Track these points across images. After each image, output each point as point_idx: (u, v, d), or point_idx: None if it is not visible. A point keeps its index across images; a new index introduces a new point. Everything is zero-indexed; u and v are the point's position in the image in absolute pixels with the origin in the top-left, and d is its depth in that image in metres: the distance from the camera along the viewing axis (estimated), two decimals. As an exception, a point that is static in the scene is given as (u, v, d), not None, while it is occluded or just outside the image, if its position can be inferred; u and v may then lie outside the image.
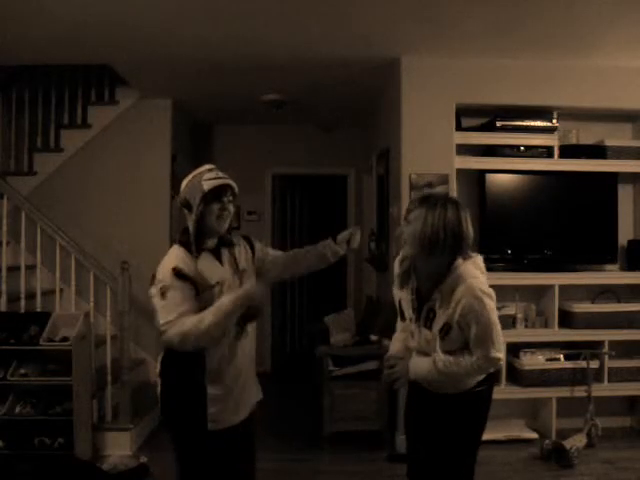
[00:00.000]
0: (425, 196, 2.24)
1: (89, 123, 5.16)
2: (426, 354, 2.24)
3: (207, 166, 2.35)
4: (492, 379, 2.35)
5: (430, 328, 2.20)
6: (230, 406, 2.21)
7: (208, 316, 2.05)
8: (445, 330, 2.15)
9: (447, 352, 2.18)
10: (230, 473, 2.24)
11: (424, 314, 2.22)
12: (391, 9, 3.38)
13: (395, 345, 2.44)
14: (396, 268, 2.34)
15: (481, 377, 2.26)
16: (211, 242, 2.24)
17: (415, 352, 2.30)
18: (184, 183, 2.29)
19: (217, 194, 2.20)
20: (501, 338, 2.17)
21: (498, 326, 2.15)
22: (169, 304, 2.08)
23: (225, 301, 2.08)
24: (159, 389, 2.27)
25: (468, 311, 2.10)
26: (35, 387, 3.70)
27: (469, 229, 2.15)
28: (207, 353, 2.15)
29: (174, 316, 2.06)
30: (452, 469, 2.29)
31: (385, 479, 3.71)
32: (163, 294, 2.09)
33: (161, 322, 2.09)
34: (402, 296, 2.33)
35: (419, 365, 2.23)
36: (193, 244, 2.17)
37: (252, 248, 2.40)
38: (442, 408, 2.28)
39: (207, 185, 2.21)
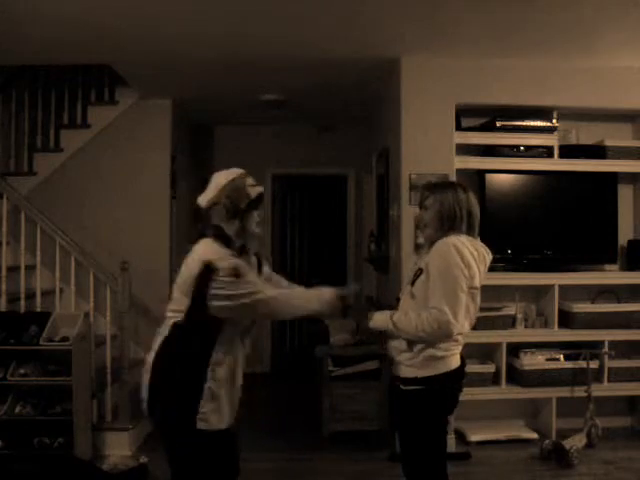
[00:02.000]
0: (435, 183, 2.59)
1: (89, 123, 5.15)
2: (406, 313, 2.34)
3: (241, 170, 2.40)
4: (459, 377, 2.36)
5: (410, 283, 2.37)
6: (223, 406, 2.16)
7: (303, 295, 2.22)
8: (417, 274, 2.32)
9: (414, 299, 2.31)
10: (219, 475, 2.20)
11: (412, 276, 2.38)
12: (391, 9, 3.38)
13: None
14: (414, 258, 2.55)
15: (451, 367, 2.29)
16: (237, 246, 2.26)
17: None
18: (221, 184, 2.32)
19: (259, 201, 2.29)
20: (460, 306, 2.22)
21: (458, 287, 2.21)
22: (250, 278, 2.11)
23: (326, 294, 2.19)
24: (149, 375, 2.18)
25: (434, 255, 2.26)
26: (35, 387, 3.69)
27: (477, 208, 2.44)
28: (217, 344, 2.11)
29: (259, 285, 2.13)
30: (419, 463, 2.33)
31: (385, 479, 3.71)
32: (237, 275, 2.08)
33: (250, 289, 2.07)
34: None
35: (379, 317, 2.35)
36: (236, 244, 2.20)
37: (260, 267, 2.41)
38: (403, 402, 2.35)
39: (253, 192, 2.28)
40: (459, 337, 2.32)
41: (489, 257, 2.42)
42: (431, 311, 2.20)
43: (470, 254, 2.28)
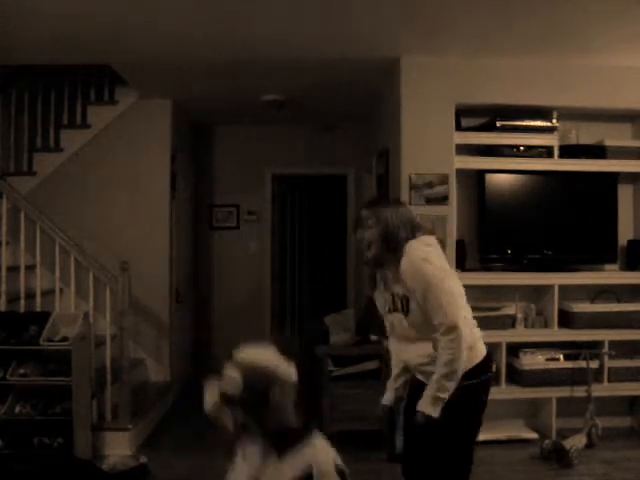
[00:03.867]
0: (373, 201, 2.47)
1: (89, 123, 5.15)
2: (407, 337, 2.30)
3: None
4: (482, 373, 2.28)
5: (399, 310, 2.29)
6: None
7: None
8: (405, 303, 2.25)
9: (414, 326, 2.25)
10: None
11: (393, 300, 2.32)
12: (391, 9, 3.38)
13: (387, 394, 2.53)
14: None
15: (469, 366, 2.21)
16: None
17: (398, 337, 2.37)
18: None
19: None
20: (452, 306, 2.16)
21: (443, 289, 2.17)
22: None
23: None
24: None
25: (409, 277, 2.20)
26: (35, 387, 3.69)
27: (417, 218, 2.40)
28: None
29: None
30: (444, 466, 2.25)
31: (385, 479, 3.70)
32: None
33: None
34: (377, 296, 2.42)
35: (424, 401, 2.17)
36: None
37: None
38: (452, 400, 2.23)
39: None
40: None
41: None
42: (439, 327, 2.15)
43: (437, 256, 2.27)
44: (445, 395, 2.12)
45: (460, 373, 2.14)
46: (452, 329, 2.12)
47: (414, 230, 2.29)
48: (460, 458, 2.28)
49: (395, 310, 2.31)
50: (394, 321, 2.35)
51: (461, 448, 2.28)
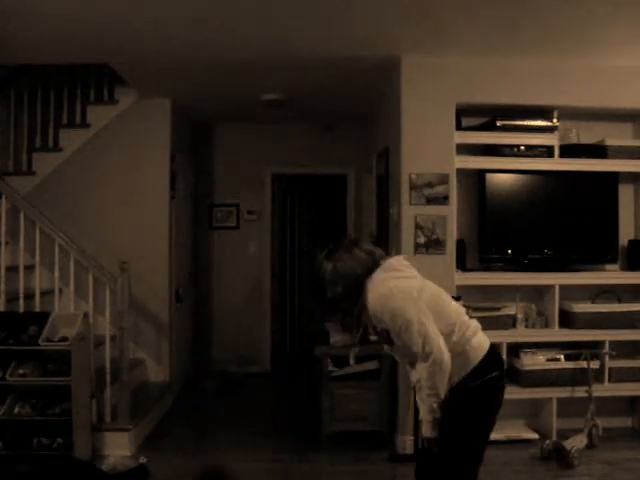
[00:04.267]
0: (327, 255, 2.40)
1: (88, 123, 5.15)
2: (409, 362, 2.34)
3: None
4: (485, 373, 2.26)
5: (386, 343, 2.34)
6: None
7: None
8: (387, 335, 2.27)
9: (404, 354, 2.31)
10: None
11: (378, 334, 2.34)
12: (391, 9, 3.37)
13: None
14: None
15: (462, 373, 2.23)
16: None
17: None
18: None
19: None
20: (423, 334, 2.16)
21: (411, 320, 2.17)
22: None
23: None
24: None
25: (376, 315, 2.24)
26: (34, 387, 3.69)
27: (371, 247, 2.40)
28: None
29: None
30: (451, 464, 2.25)
31: (385, 479, 3.70)
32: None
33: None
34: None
35: (422, 414, 2.25)
36: None
37: None
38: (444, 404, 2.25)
39: None
40: (455, 327, 2.26)
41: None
42: (419, 362, 2.20)
43: (401, 282, 2.27)
44: (435, 415, 2.20)
45: (442, 391, 2.18)
46: (427, 356, 2.16)
47: (374, 263, 2.30)
48: (468, 458, 2.27)
49: (383, 342, 2.37)
50: (388, 350, 2.43)
51: (470, 449, 2.27)
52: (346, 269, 2.30)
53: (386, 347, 2.42)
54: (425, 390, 2.20)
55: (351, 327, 2.44)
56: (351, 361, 2.53)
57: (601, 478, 3.64)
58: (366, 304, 2.27)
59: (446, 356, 2.17)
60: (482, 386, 2.24)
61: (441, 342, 2.18)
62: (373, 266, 2.30)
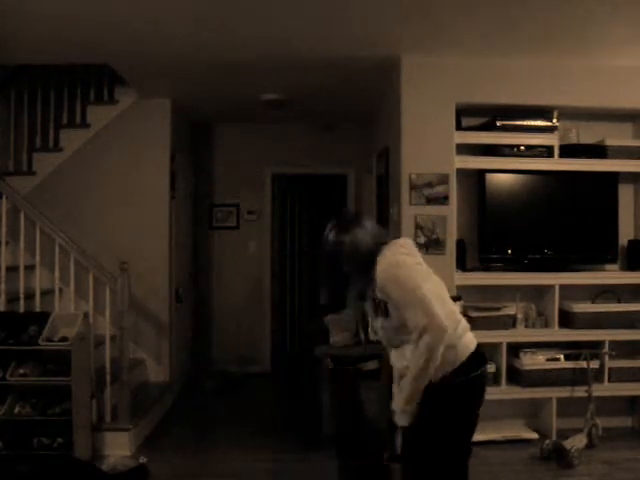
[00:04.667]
0: (341, 223, 2.35)
1: (88, 123, 5.15)
2: (391, 343, 2.32)
3: None
4: (470, 370, 2.24)
5: (381, 314, 2.30)
6: None
7: None
8: (384, 307, 2.25)
9: (395, 330, 2.25)
10: None
11: (375, 305, 2.31)
12: (391, 9, 3.37)
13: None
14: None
15: (449, 369, 2.20)
16: None
17: (385, 343, 2.38)
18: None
19: None
20: (425, 309, 2.12)
21: (416, 293, 2.14)
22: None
23: None
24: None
25: (382, 283, 2.20)
26: (34, 387, 3.69)
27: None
28: None
29: None
30: (439, 461, 2.24)
31: (385, 479, 3.69)
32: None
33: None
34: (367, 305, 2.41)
35: (397, 398, 2.25)
36: None
37: None
38: (424, 400, 2.22)
39: None
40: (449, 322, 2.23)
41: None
42: (414, 339, 2.14)
43: (410, 259, 2.27)
44: (412, 405, 2.18)
45: (431, 373, 2.13)
46: (424, 330, 2.10)
47: (383, 237, 2.33)
48: (454, 453, 2.27)
49: (377, 315, 2.33)
50: (378, 326, 2.36)
51: (454, 444, 2.26)
52: (362, 242, 2.27)
53: (375, 324, 2.38)
54: (410, 376, 2.16)
55: (376, 309, 2.36)
56: (371, 335, 2.45)
57: (601, 478, 3.64)
58: (375, 278, 2.24)
59: (446, 335, 2.12)
60: (467, 382, 2.23)
61: (444, 318, 2.13)
62: (383, 241, 2.30)
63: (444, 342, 2.12)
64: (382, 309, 2.27)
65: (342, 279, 2.39)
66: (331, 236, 2.32)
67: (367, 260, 2.25)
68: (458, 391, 2.23)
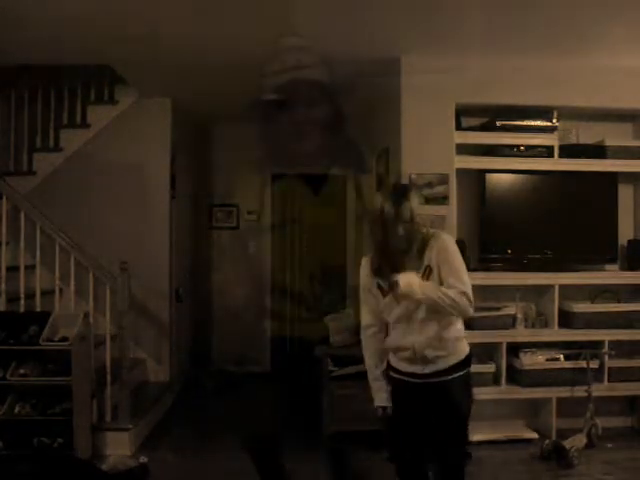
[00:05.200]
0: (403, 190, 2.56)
1: (88, 123, 5.15)
2: (409, 317, 2.46)
3: None
4: (469, 365, 2.52)
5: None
6: None
7: None
8: (428, 272, 2.44)
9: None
10: None
11: (422, 270, 2.45)
12: (391, 9, 3.38)
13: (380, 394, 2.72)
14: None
15: (461, 357, 2.48)
16: None
17: (396, 319, 2.51)
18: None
19: None
20: (468, 282, 2.41)
21: (464, 269, 2.44)
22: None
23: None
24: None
25: (447, 251, 2.44)
26: (34, 387, 3.69)
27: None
28: None
29: None
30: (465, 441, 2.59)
31: (385, 479, 3.70)
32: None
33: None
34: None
35: (428, 286, 2.39)
36: None
37: None
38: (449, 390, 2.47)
39: None
40: None
41: None
42: (455, 288, 2.37)
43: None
44: (435, 298, 2.37)
45: (444, 307, 2.37)
46: (464, 294, 2.37)
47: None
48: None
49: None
50: (392, 303, 2.49)
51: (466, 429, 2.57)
52: (417, 209, 2.44)
53: (387, 301, 2.53)
54: (440, 291, 2.36)
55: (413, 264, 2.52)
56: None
57: (600, 478, 3.64)
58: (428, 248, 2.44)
59: (471, 311, 2.41)
60: (468, 376, 2.52)
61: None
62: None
63: (467, 313, 2.42)
64: (425, 274, 2.45)
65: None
66: (393, 204, 2.44)
67: (419, 225, 2.44)
68: (464, 382, 2.50)
